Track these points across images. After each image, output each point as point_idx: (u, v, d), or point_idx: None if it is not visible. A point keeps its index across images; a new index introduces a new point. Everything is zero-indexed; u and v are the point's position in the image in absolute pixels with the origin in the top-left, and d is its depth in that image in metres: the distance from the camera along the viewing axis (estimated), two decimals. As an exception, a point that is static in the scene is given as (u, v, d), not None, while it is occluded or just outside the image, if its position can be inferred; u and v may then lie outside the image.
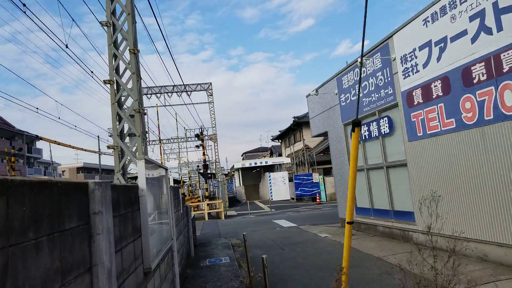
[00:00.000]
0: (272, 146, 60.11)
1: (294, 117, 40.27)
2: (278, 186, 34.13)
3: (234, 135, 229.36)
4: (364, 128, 10.87)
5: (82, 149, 47.37)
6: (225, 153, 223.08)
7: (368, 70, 10.38)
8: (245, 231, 14.67)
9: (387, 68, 9.51)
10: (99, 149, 53.79)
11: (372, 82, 10.24)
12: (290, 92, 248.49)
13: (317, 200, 28.28)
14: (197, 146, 21.76)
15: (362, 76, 10.79)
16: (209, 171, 42.23)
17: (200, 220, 21.08)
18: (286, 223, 16.14)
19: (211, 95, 56.76)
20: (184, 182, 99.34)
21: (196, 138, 22.01)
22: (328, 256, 8.74)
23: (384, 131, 9.84)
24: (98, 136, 54.45)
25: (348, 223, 4.13)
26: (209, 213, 21.79)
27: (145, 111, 7.65)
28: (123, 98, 6.94)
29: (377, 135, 10.21)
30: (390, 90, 9.47)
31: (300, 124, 40.49)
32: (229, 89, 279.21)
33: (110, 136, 51.22)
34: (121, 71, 6.85)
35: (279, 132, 50.20)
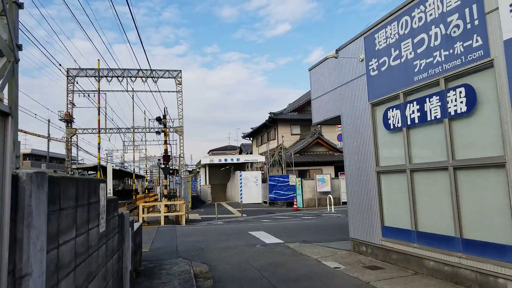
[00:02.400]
0: (242, 144, 56.23)
1: (270, 113, 36.56)
2: (250, 188, 30.16)
3: (201, 133, 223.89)
4: (410, 108, 7.09)
5: (27, 133, 41.62)
6: (190, 150, 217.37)
7: (429, 14, 6.59)
8: (214, 247, 10.60)
9: (473, 5, 5.73)
10: (49, 134, 48.07)
11: (436, 33, 6.45)
12: (262, 94, 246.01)
13: (294, 206, 24.54)
14: (158, 132, 17.49)
15: (415, 26, 6.97)
16: (171, 167, 37.70)
17: (154, 225, 16.80)
18: (268, 237, 12.18)
19: (180, 84, 51.99)
20: (142, 177, 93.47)
21: (158, 123, 17.68)
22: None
23: (457, 110, 6.06)
24: (49, 120, 48.48)
25: None
26: (166, 217, 17.55)
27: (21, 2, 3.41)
28: None
29: (438, 117, 6.42)
30: (477, 41, 5.70)
31: (276, 120, 36.82)
32: (201, 86, 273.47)
33: (60, 120, 45.66)
34: None
35: (251, 129, 46.38)
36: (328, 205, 23.49)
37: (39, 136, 45.89)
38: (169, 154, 17.63)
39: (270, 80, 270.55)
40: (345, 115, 9.33)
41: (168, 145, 18.22)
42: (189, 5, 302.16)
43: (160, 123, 17.65)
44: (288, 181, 27.70)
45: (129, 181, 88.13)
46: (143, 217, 16.89)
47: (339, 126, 21.14)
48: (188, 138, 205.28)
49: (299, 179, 27.46)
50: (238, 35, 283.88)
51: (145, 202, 16.71)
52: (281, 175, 28.84)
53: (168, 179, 18.93)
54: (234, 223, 17.26)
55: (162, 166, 18.21)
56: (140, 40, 10.18)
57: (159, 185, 26.89)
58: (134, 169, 53.64)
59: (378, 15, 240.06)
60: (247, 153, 46.28)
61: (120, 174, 69.27)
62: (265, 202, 29.22)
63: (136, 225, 7.66)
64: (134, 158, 42.36)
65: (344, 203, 26.29)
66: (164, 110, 18.10)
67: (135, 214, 17.27)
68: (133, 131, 45.28)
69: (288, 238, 11.99)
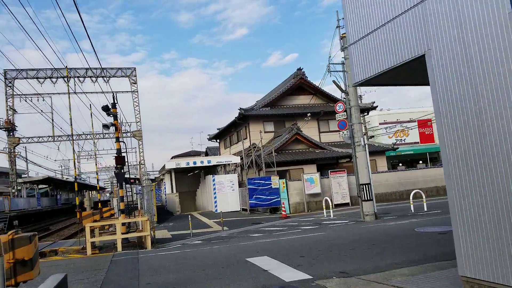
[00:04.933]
0: (208, 147, 51.81)
1: (240, 109, 32.34)
2: (225, 194, 25.69)
3: (162, 141, 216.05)
4: None
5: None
6: (151, 159, 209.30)
7: None
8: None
9: None
10: (-13, 145, 41.47)
11: None
12: (222, 100, 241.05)
13: (283, 213, 20.39)
14: (106, 126, 12.81)
15: None
16: (131, 176, 32.59)
17: (109, 251, 12.12)
18: (280, 268, 7.94)
19: (135, 83, 46.74)
20: (102, 189, 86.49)
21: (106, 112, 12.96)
22: None
23: None
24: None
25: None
26: (126, 239, 12.94)
27: None
28: None
29: None
30: None
31: (246, 117, 32.63)
32: (159, 93, 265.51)
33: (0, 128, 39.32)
34: None
35: (218, 130, 41.97)
36: (324, 210, 19.51)
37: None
38: (123, 155, 12.97)
39: (230, 85, 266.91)
40: (441, 50, 5.21)
41: (121, 143, 13.56)
42: (145, 11, 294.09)
43: (109, 114, 13.01)
44: (271, 184, 23.55)
45: (90, 194, 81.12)
46: (93, 243, 12.19)
47: (340, 111, 17.32)
48: (148, 147, 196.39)
49: (283, 180, 23.39)
50: (196, 40, 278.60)
51: (94, 221, 11.96)
52: (261, 177, 24.63)
53: (125, 189, 14.26)
54: (218, 243, 12.86)
55: (115, 171, 13.52)
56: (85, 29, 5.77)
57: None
58: (97, 180, 47.52)
59: (334, 17, 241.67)
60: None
61: (79, 187, 62.97)
62: (244, 210, 24.91)
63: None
64: (96, 167, 37.05)
65: (338, 205, 22.45)
66: (113, 97, 13.46)
67: (82, 236, 12.55)
68: (94, 137, 39.79)
69: (313, 268, 7.80)
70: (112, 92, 13.76)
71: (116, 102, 13.50)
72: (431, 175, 26.76)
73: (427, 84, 5.73)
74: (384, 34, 6.12)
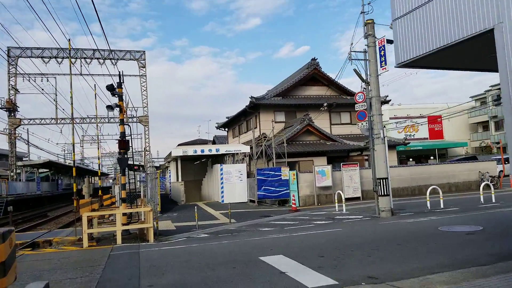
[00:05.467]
0: (216, 136, 50.92)
1: (252, 97, 31.41)
2: (233, 184, 24.80)
3: (169, 129, 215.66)
4: None
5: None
6: (157, 147, 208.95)
7: None
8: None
9: None
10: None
11: None
12: (232, 89, 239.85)
13: (293, 206, 19.48)
14: (110, 107, 11.87)
15: None
16: (136, 162, 31.79)
17: (108, 244, 11.25)
18: (300, 271, 7.03)
19: (144, 67, 45.65)
20: (105, 175, 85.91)
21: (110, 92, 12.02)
22: None
23: None
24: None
25: None
26: (126, 230, 12.09)
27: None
28: None
29: None
30: None
31: (257, 106, 31.74)
32: (168, 81, 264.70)
33: (1, 108, 38.57)
34: None
35: (227, 119, 41.08)
36: (336, 204, 18.60)
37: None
38: (126, 139, 12.03)
39: (239, 75, 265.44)
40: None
41: (126, 126, 12.64)
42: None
43: (113, 94, 12.06)
44: (280, 175, 22.63)
45: (93, 180, 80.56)
46: (90, 234, 11.33)
47: (360, 101, 16.27)
48: (154, 134, 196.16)
49: (294, 172, 22.44)
50: (208, 28, 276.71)
51: (93, 210, 11.10)
52: (271, 168, 23.72)
53: (128, 176, 13.38)
54: (227, 237, 11.98)
55: (118, 156, 12.63)
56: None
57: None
58: (99, 165, 47.03)
59: (348, 11, 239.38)
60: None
61: (80, 172, 62.24)
62: (252, 201, 24.04)
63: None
64: (99, 151, 36.14)
65: (349, 199, 21.48)
66: (119, 76, 12.51)
67: (79, 225, 11.69)
68: (97, 121, 38.91)
69: (336, 271, 6.90)
70: (119, 73, 12.77)
71: (122, 81, 12.54)
72: (445, 171, 25.86)
73: (479, 69, 4.74)
74: (440, 6, 5.10)
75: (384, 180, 14.76)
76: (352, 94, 35.48)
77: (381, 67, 14.71)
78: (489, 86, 52.92)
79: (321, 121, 30.99)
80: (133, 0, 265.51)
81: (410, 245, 8.96)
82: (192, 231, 13.83)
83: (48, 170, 52.80)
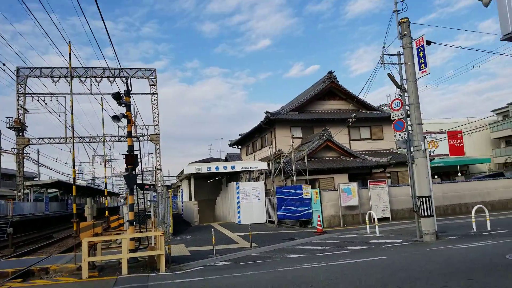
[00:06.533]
0: (228, 154, 49.46)
1: (267, 112, 29.82)
2: (250, 203, 23.04)
3: (180, 148, 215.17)
4: None
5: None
6: (168, 166, 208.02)
7: None
8: None
9: None
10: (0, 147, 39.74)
11: None
12: (242, 109, 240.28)
13: (318, 228, 17.63)
14: (116, 117, 10.30)
15: None
16: (145, 182, 30.16)
17: (111, 275, 9.56)
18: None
19: (155, 84, 44.55)
20: (115, 194, 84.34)
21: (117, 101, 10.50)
22: None
23: None
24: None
25: None
26: (134, 258, 10.41)
27: None
28: None
29: None
30: None
31: (273, 122, 30.11)
32: (180, 101, 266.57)
33: (9, 127, 37.61)
34: None
35: (240, 136, 39.54)
36: (368, 225, 16.73)
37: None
38: (134, 153, 10.45)
39: (250, 94, 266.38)
40: None
41: (136, 141, 11.10)
42: (170, 20, 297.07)
43: (120, 104, 10.57)
44: (302, 194, 20.84)
45: (102, 200, 79.16)
46: (92, 262, 9.66)
47: (396, 109, 14.55)
48: (165, 154, 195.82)
49: (317, 190, 20.66)
50: (218, 50, 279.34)
51: (95, 234, 9.46)
52: (292, 185, 21.96)
53: (137, 196, 11.77)
54: (250, 266, 10.22)
55: (125, 173, 11.03)
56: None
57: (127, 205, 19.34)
58: (106, 184, 45.49)
59: (357, 30, 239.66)
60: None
61: (89, 192, 60.91)
62: (271, 222, 22.23)
63: None
64: (105, 169, 34.68)
65: (380, 219, 19.57)
66: (127, 84, 11.02)
67: (80, 250, 10.00)
68: (104, 137, 37.68)
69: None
70: (126, 79, 11.29)
71: (130, 90, 11.07)
72: (477, 188, 24.00)
73: None
74: None
75: (427, 198, 12.92)
76: (372, 108, 33.79)
77: (420, 70, 13.09)
78: (513, 100, 50.72)
79: (340, 136, 29.24)
80: (146, 24, 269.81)
81: (487, 281, 7.13)
82: (209, 257, 12.09)
83: (57, 190, 51.61)
